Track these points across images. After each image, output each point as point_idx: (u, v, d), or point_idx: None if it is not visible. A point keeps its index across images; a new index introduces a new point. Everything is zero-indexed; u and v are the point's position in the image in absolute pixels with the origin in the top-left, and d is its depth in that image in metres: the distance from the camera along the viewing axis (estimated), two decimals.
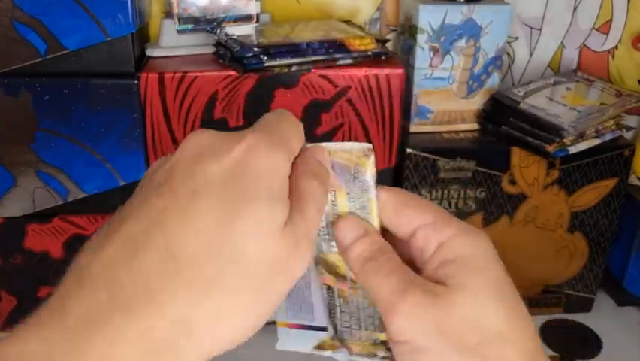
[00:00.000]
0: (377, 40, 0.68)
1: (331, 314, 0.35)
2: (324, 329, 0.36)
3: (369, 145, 0.33)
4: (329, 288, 0.35)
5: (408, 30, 0.76)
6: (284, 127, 0.31)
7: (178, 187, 0.27)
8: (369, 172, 0.33)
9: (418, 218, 0.33)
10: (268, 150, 0.28)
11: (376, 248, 0.33)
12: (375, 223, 0.34)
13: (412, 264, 0.33)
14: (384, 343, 0.34)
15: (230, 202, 0.27)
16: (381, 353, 0.34)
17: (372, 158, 0.33)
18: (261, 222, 0.27)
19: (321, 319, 0.35)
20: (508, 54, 0.84)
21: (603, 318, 0.83)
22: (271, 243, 0.27)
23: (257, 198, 0.27)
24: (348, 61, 0.67)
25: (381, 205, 0.34)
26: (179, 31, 0.67)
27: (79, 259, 0.27)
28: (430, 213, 0.33)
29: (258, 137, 0.29)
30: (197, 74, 0.64)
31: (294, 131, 0.31)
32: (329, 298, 0.35)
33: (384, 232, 0.34)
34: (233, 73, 0.64)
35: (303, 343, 0.36)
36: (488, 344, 0.29)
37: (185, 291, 0.25)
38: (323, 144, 0.33)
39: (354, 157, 0.33)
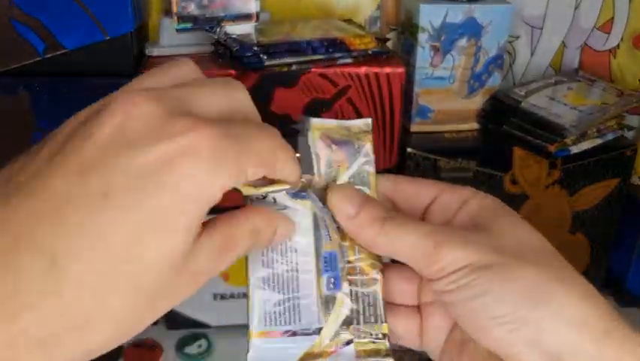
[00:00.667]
0: (377, 39, 0.68)
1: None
2: (315, 333, 0.33)
3: (369, 120, 0.34)
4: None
5: (408, 29, 0.76)
6: (256, 148, 0.27)
7: (90, 177, 0.23)
8: (370, 146, 0.34)
9: (436, 186, 0.36)
10: (208, 172, 0.25)
11: (387, 208, 0.34)
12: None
13: None
14: (385, 336, 0.33)
15: (137, 225, 0.23)
16: (384, 348, 0.33)
17: (371, 133, 0.34)
18: (161, 256, 0.24)
19: (312, 319, 0.33)
20: (509, 53, 0.84)
21: None
22: (161, 274, 0.24)
23: (166, 229, 0.24)
24: (349, 60, 0.66)
25: (393, 184, 0.35)
26: (178, 30, 0.67)
27: None
28: (442, 183, 0.36)
29: (210, 143, 0.24)
30: None
31: (267, 158, 0.28)
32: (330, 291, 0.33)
33: None
34: (232, 72, 0.64)
35: (284, 355, 0.32)
36: (545, 257, 0.32)
37: (55, 299, 0.22)
38: (324, 120, 0.33)
39: (355, 133, 0.33)
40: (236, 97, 0.29)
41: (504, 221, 0.33)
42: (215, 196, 0.25)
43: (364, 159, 0.34)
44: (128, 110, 0.25)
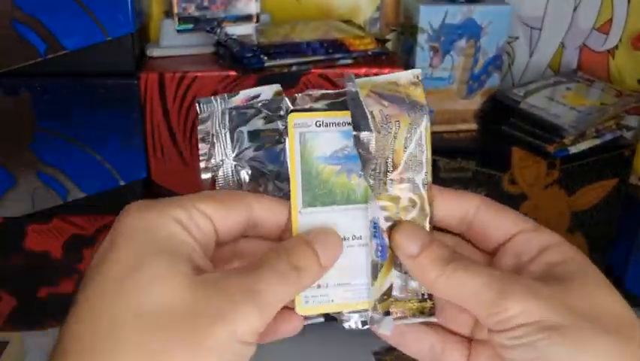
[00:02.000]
0: (377, 40, 0.68)
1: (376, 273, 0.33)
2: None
3: (418, 71, 0.32)
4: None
5: (408, 30, 0.76)
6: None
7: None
8: (423, 99, 0.32)
9: (518, 223, 0.32)
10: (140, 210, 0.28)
11: (452, 250, 0.31)
12: (429, 172, 0.33)
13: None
14: (430, 296, 0.33)
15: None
16: (429, 307, 0.33)
17: (422, 86, 0.32)
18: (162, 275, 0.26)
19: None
20: (508, 54, 0.84)
21: None
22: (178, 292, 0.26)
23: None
24: (349, 61, 0.67)
25: (474, 206, 0.32)
26: (179, 31, 0.67)
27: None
28: (527, 221, 0.32)
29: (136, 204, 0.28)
30: (197, 74, 0.64)
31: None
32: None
33: None
34: (233, 73, 0.64)
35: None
36: (626, 327, 0.28)
37: None
38: (368, 79, 0.31)
39: (403, 87, 0.32)
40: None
41: (585, 279, 0.29)
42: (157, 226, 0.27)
43: (422, 113, 0.32)
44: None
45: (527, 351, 0.27)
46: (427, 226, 0.32)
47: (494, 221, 0.32)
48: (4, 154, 0.65)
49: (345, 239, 0.32)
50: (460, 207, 0.33)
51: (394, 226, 0.32)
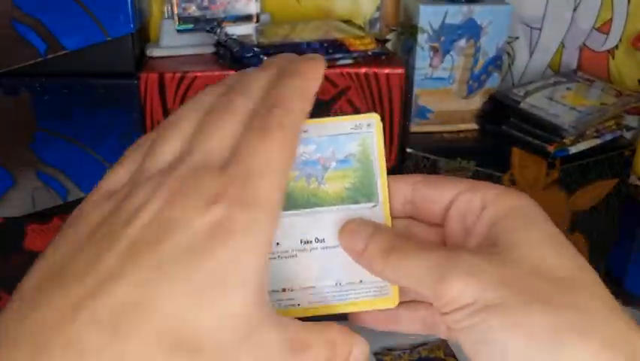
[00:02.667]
0: (377, 40, 0.68)
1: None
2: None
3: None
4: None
5: (408, 30, 0.76)
6: (274, 157, 0.26)
7: (141, 255, 0.23)
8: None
9: (454, 186, 0.31)
10: (250, 225, 0.24)
11: (394, 237, 0.31)
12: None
13: (449, 242, 0.32)
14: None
15: (192, 291, 0.23)
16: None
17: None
18: (220, 316, 0.24)
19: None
20: (508, 54, 0.84)
21: None
22: (223, 337, 0.23)
23: (222, 288, 0.24)
24: (349, 61, 0.67)
25: (410, 186, 0.32)
26: (179, 31, 0.67)
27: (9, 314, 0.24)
28: (463, 181, 0.32)
29: (237, 202, 0.24)
30: (197, 74, 0.64)
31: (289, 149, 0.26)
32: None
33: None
34: (233, 73, 0.64)
35: None
36: (562, 293, 0.27)
37: None
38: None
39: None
40: (239, 114, 0.28)
41: (526, 237, 0.28)
42: (262, 243, 0.25)
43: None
44: (164, 196, 0.25)
45: (469, 334, 0.27)
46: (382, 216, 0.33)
47: (432, 192, 0.32)
48: (4, 154, 0.65)
49: (308, 242, 0.32)
50: (397, 191, 0.33)
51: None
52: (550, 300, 0.26)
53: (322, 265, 0.33)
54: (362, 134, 0.33)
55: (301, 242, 0.32)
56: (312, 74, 0.28)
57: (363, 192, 0.33)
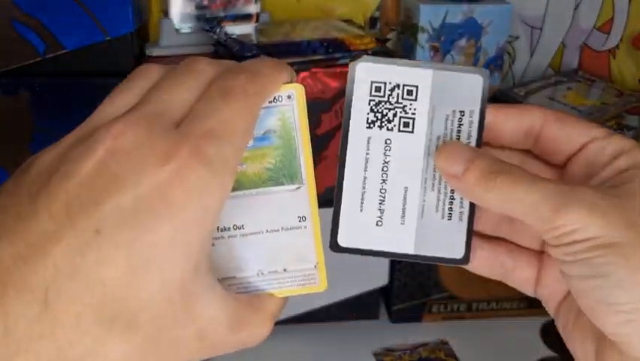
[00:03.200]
0: (377, 40, 0.68)
1: None
2: None
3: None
4: None
5: (408, 29, 0.76)
6: (239, 124, 0.25)
7: (79, 216, 0.22)
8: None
9: (589, 131, 0.30)
10: (201, 193, 0.23)
11: (500, 161, 0.29)
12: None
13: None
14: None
15: (132, 259, 0.22)
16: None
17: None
18: (158, 289, 0.23)
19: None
20: (508, 54, 0.84)
21: None
22: (160, 310, 0.23)
23: (163, 260, 0.22)
24: (349, 60, 0.66)
25: (541, 119, 0.31)
26: (178, 31, 0.67)
27: None
28: (598, 128, 0.30)
29: (196, 160, 0.23)
30: None
31: (251, 116, 0.26)
32: None
33: None
34: None
35: None
36: None
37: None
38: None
39: None
40: (202, 75, 0.26)
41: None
42: (214, 211, 0.24)
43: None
44: (109, 144, 0.23)
45: (583, 267, 0.27)
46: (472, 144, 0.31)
47: (563, 131, 0.30)
48: (3, 154, 0.65)
49: (225, 230, 0.29)
50: (522, 121, 0.31)
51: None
52: None
53: (242, 255, 0.30)
54: (281, 108, 0.29)
55: (218, 230, 0.29)
56: (280, 69, 0.28)
57: (285, 173, 0.29)
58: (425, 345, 0.74)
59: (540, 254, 0.33)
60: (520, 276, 0.33)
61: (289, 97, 0.29)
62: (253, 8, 0.68)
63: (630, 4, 0.82)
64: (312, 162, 0.30)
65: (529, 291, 0.33)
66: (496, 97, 0.76)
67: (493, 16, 0.73)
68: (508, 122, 0.31)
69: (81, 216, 0.22)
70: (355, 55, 0.29)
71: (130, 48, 0.63)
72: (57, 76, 0.63)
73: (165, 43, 0.69)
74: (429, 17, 0.72)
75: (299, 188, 0.30)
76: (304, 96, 0.29)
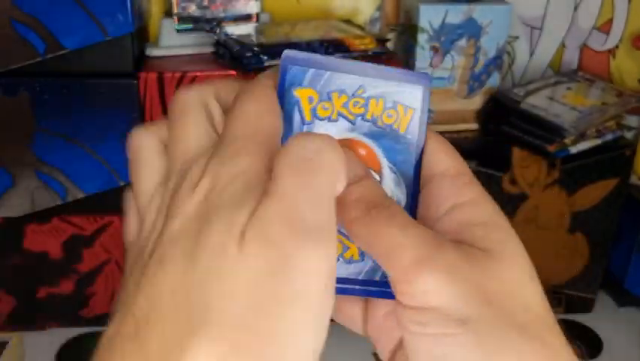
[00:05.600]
0: (377, 40, 0.68)
1: None
2: None
3: None
4: None
5: (408, 30, 0.76)
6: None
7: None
8: None
9: (444, 162, 0.27)
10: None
11: (383, 194, 0.26)
12: None
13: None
14: None
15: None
16: None
17: None
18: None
19: None
20: (508, 54, 0.84)
21: (604, 319, 0.83)
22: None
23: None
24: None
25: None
26: (178, 31, 0.67)
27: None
28: (458, 163, 0.27)
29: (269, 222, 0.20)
30: (197, 73, 0.64)
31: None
32: None
33: None
34: (232, 72, 0.64)
35: None
36: (537, 327, 0.24)
37: None
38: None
39: None
40: (203, 115, 0.25)
41: (504, 255, 0.25)
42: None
43: None
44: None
45: (429, 343, 0.24)
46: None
47: (426, 156, 0.28)
48: (4, 154, 0.65)
49: None
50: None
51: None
52: (534, 332, 0.24)
53: None
54: None
55: None
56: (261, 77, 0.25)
57: None
58: None
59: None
60: (344, 313, 0.30)
61: None
62: (253, 8, 0.68)
63: (630, 5, 0.82)
64: None
65: (358, 330, 0.30)
66: (496, 97, 0.76)
67: (493, 17, 0.73)
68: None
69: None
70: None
71: (130, 48, 0.63)
72: (57, 76, 0.63)
73: (165, 44, 0.69)
74: (429, 17, 0.72)
75: None
76: None
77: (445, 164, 0.27)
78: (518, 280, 0.25)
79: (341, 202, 0.25)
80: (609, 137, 0.76)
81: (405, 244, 0.24)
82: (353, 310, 0.30)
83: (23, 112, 0.63)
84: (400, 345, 0.28)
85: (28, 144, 0.65)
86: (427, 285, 0.23)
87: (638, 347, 0.79)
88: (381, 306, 0.29)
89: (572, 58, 0.86)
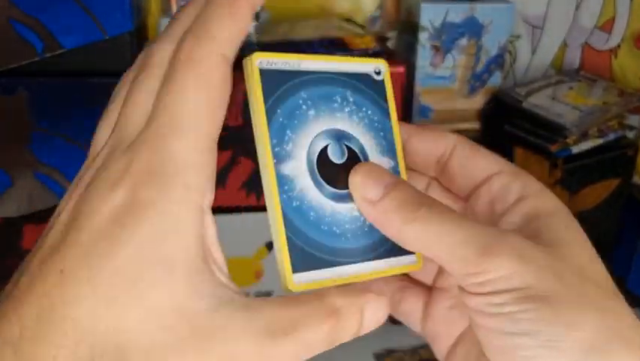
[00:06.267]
0: (378, 39, 0.68)
1: None
2: None
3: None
4: None
5: (409, 28, 0.75)
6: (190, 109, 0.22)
7: (45, 262, 0.22)
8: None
9: (495, 164, 0.28)
10: (159, 199, 0.21)
11: (424, 193, 0.26)
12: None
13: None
14: None
15: (102, 295, 0.21)
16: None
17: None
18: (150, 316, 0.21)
19: None
20: (509, 53, 0.84)
21: None
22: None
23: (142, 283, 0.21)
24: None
25: (448, 146, 0.28)
26: None
27: None
28: (505, 163, 0.28)
29: (142, 171, 0.21)
30: None
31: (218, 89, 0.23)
32: None
33: None
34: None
35: None
36: (607, 298, 0.25)
37: None
38: None
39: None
40: (157, 64, 0.24)
41: (571, 239, 0.26)
42: (185, 221, 0.21)
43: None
44: (80, 191, 0.23)
45: (505, 322, 0.23)
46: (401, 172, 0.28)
47: (469, 161, 0.28)
48: (1, 154, 0.65)
49: None
50: (437, 146, 0.29)
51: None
52: (602, 307, 0.24)
53: None
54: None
55: None
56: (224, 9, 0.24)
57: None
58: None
59: (429, 289, 0.30)
60: (405, 308, 0.30)
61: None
62: None
63: (632, 4, 0.82)
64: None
65: (416, 327, 0.30)
66: (497, 96, 0.76)
67: (495, 15, 0.73)
68: (422, 144, 0.29)
69: (48, 262, 0.21)
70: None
71: (129, 47, 0.63)
72: (55, 75, 0.63)
73: None
74: (430, 16, 0.71)
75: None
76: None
77: (499, 165, 0.28)
78: (587, 259, 0.25)
79: (381, 215, 0.25)
80: (611, 136, 0.75)
81: (464, 239, 0.24)
82: (415, 305, 0.30)
83: (21, 111, 0.63)
84: (460, 339, 0.29)
85: (26, 144, 0.64)
86: (496, 272, 0.23)
87: None
88: (447, 298, 0.29)
89: (573, 57, 0.85)
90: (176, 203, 0.21)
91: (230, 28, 0.23)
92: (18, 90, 0.63)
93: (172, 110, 0.22)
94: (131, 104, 0.23)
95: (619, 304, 0.25)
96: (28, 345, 0.20)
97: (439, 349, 0.30)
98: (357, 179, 0.26)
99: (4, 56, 0.61)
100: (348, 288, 0.24)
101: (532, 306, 0.23)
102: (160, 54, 0.24)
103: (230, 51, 0.23)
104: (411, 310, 0.30)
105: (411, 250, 0.26)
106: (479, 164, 0.28)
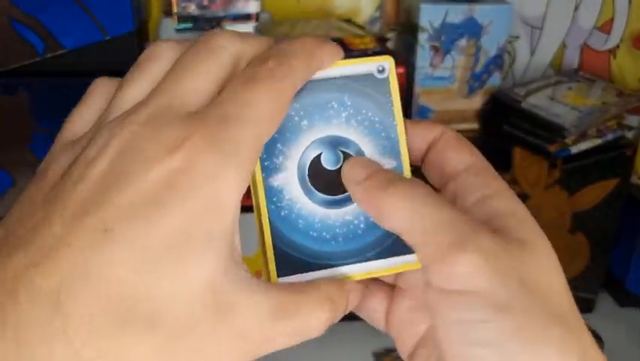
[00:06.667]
0: (377, 40, 0.68)
1: None
2: None
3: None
4: None
5: (408, 29, 0.76)
6: (261, 107, 0.22)
7: (88, 217, 0.21)
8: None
9: (466, 159, 0.27)
10: (210, 179, 0.21)
11: (409, 178, 0.27)
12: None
13: None
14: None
15: (145, 256, 0.20)
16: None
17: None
18: (180, 287, 0.21)
19: None
20: (509, 53, 0.84)
21: (605, 319, 0.83)
22: (183, 310, 0.21)
23: (181, 255, 0.21)
24: None
25: (434, 140, 0.28)
26: (178, 31, 0.67)
27: None
28: (475, 159, 0.27)
29: (205, 146, 0.21)
30: None
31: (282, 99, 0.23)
32: None
33: None
34: None
35: None
36: (573, 319, 0.24)
37: None
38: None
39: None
40: (222, 55, 0.24)
41: (536, 246, 0.24)
42: (229, 197, 0.22)
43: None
44: (117, 143, 0.22)
45: (464, 329, 0.23)
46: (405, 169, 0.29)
47: (443, 155, 0.28)
48: (3, 154, 0.65)
49: None
50: (425, 139, 0.29)
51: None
52: (566, 321, 0.24)
53: None
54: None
55: None
56: (327, 49, 0.25)
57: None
58: None
59: (392, 289, 0.30)
60: (368, 306, 0.30)
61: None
62: (253, 8, 0.67)
63: (630, 4, 0.82)
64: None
65: (380, 326, 0.30)
66: (496, 97, 0.76)
67: (494, 16, 0.73)
68: (412, 137, 0.29)
69: (90, 217, 0.21)
70: None
71: (129, 48, 0.63)
72: (56, 76, 0.63)
73: None
74: (429, 17, 0.72)
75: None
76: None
77: (470, 160, 0.27)
78: (552, 271, 0.24)
79: (366, 192, 0.26)
80: (610, 137, 0.75)
81: (443, 225, 0.23)
82: (378, 303, 0.30)
83: (22, 112, 0.63)
84: (422, 341, 0.28)
85: (27, 144, 0.65)
86: (467, 267, 0.23)
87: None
88: (408, 298, 0.29)
89: (572, 57, 0.86)
90: (227, 181, 0.21)
91: (307, 69, 0.25)
92: (18, 90, 0.63)
93: (244, 101, 0.22)
94: (192, 73, 0.23)
95: (577, 317, 0.24)
96: (66, 302, 0.20)
97: (402, 349, 0.29)
98: (347, 167, 0.27)
99: (4, 56, 0.62)
100: (333, 279, 0.26)
101: (495, 317, 0.22)
102: (233, 50, 0.24)
103: (298, 87, 0.25)
104: (374, 309, 0.30)
105: (389, 228, 0.26)
106: (452, 158, 0.28)
